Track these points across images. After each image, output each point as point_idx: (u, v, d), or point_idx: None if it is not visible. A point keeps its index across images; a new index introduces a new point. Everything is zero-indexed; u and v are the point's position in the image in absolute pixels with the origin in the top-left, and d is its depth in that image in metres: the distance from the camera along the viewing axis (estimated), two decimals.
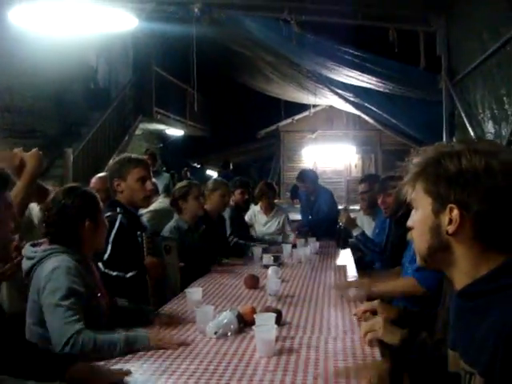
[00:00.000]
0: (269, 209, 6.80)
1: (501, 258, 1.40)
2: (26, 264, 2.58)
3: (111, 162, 3.76)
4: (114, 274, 3.13)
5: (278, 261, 4.81)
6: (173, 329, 2.74)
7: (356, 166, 18.95)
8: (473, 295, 1.44)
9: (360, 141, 18.48)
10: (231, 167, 15.63)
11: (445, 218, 1.43)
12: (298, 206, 8.57)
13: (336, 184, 17.47)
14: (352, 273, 4.48)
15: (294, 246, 5.68)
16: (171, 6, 6.72)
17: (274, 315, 2.52)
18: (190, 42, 9.90)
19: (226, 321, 2.57)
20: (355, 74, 8.02)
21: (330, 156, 18.65)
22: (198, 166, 20.12)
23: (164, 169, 12.57)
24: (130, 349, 2.40)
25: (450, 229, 1.42)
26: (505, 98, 4.69)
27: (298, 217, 8.30)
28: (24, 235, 3.02)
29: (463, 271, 1.46)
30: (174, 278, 3.77)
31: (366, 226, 6.25)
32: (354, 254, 5.59)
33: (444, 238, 1.45)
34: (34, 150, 3.12)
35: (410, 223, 1.59)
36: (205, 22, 7.28)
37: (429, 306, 2.81)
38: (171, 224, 4.66)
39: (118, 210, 3.44)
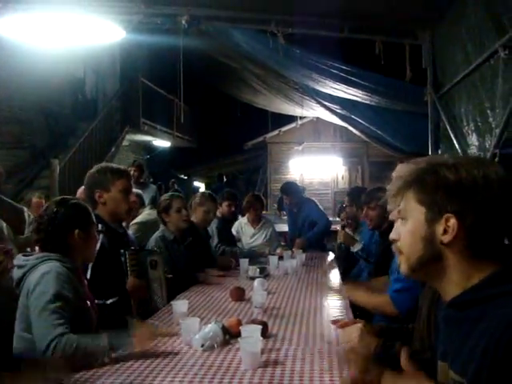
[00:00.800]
0: (256, 221, 6.78)
1: (491, 266, 1.41)
2: (17, 273, 2.59)
3: (90, 171, 3.62)
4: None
5: (264, 272, 4.81)
6: (158, 341, 2.73)
7: (343, 178, 18.98)
8: (464, 305, 1.44)
9: (347, 152, 18.53)
10: (224, 180, 15.68)
11: (439, 228, 1.43)
12: (285, 217, 8.59)
13: (323, 196, 17.50)
14: (336, 282, 4.53)
15: (281, 257, 5.69)
16: (159, 17, 6.71)
17: (259, 327, 2.52)
18: (178, 53, 9.91)
19: (212, 333, 2.56)
20: (342, 87, 8.07)
21: (317, 168, 18.67)
22: (185, 178, 20.12)
23: (151, 180, 12.55)
24: (112, 353, 2.41)
25: (446, 238, 1.42)
26: (489, 111, 4.73)
27: (285, 228, 8.31)
28: None
29: (453, 281, 1.46)
30: (161, 292, 3.73)
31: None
32: (339, 264, 5.65)
33: (437, 248, 1.45)
34: None
35: (394, 236, 1.58)
36: (192, 34, 7.30)
37: (406, 322, 2.82)
38: (157, 234, 4.65)
39: (100, 227, 3.31)
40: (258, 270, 4.79)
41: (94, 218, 2.83)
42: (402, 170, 1.56)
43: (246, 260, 5.17)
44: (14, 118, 11.06)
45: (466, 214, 1.40)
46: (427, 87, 6.49)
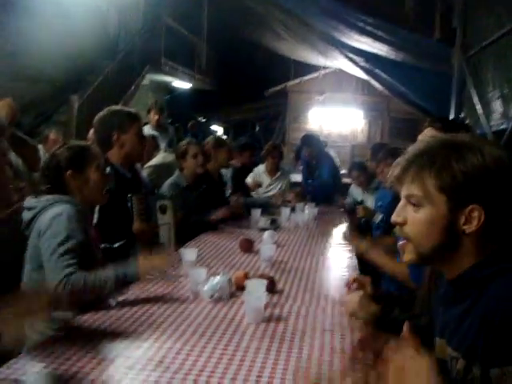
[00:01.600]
0: (274, 170, 6.79)
1: (493, 246, 1.40)
2: (27, 215, 2.60)
3: (103, 114, 3.57)
4: (102, 246, 3.05)
5: (274, 224, 4.82)
6: (166, 287, 2.77)
7: (362, 132, 18.81)
8: (462, 284, 1.44)
9: (368, 106, 18.31)
10: (257, 128, 15.61)
11: (461, 218, 1.37)
12: (301, 167, 8.56)
13: (341, 148, 17.35)
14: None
15: (293, 209, 5.70)
16: None
17: (264, 282, 2.53)
18: None
19: (220, 285, 2.59)
20: (368, 40, 7.93)
21: (337, 119, 18.50)
22: (204, 120, 20.03)
23: (169, 121, 12.47)
24: (122, 283, 2.52)
25: (469, 229, 1.37)
26: None
27: (300, 179, 8.29)
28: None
29: (461, 264, 1.43)
30: (168, 238, 3.76)
31: (355, 195, 6.38)
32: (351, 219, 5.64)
33: (456, 237, 1.40)
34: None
35: (399, 219, 1.49)
36: None
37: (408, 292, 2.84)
38: (170, 180, 4.67)
39: (108, 170, 3.30)
40: (269, 221, 4.81)
41: (98, 159, 2.81)
42: (418, 149, 1.46)
43: (258, 210, 5.17)
44: (35, 52, 10.98)
45: (491, 203, 1.35)
46: (455, 48, 6.35)
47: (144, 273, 2.59)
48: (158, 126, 7.79)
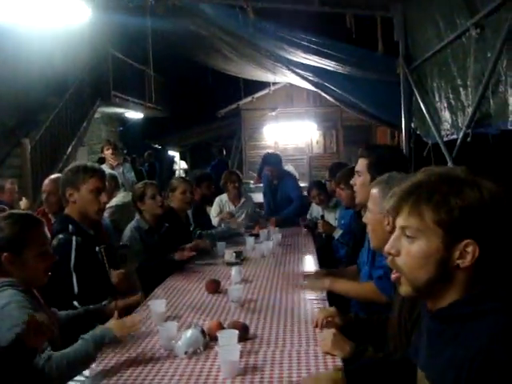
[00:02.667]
0: (236, 198, 6.80)
1: (481, 283, 1.41)
2: None
3: (65, 169, 3.59)
4: (92, 307, 3.00)
5: (240, 257, 4.81)
6: (138, 346, 2.73)
7: (318, 143, 18.95)
8: (444, 319, 1.45)
9: (321, 117, 18.48)
10: (224, 153, 15.60)
11: (456, 252, 1.38)
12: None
13: (298, 161, 17.52)
14: (314, 266, 4.55)
15: (257, 235, 5.71)
16: None
17: (236, 333, 2.52)
18: (147, 25, 9.74)
19: (193, 338, 2.56)
20: (314, 57, 7.99)
21: (292, 133, 18.62)
22: (159, 147, 19.95)
23: (127, 157, 12.37)
24: (101, 347, 2.46)
25: (463, 263, 1.38)
26: (461, 89, 4.72)
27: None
28: None
29: (450, 298, 1.44)
30: (135, 285, 3.73)
31: (315, 213, 6.44)
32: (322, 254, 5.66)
33: (450, 271, 1.40)
34: None
35: (392, 250, 1.50)
36: (160, 10, 7.16)
37: (377, 313, 2.86)
38: (132, 224, 4.62)
39: (70, 228, 3.28)
40: (235, 254, 4.79)
41: (41, 238, 2.61)
42: (417, 181, 1.47)
43: (223, 244, 5.17)
44: None
45: (486, 239, 1.36)
46: (399, 60, 6.45)
47: (121, 335, 2.55)
48: (116, 162, 7.77)
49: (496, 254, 1.39)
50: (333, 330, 2.57)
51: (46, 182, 4.70)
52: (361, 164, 3.35)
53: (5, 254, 2.47)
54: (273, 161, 7.42)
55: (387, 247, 1.52)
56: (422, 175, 1.48)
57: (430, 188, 1.42)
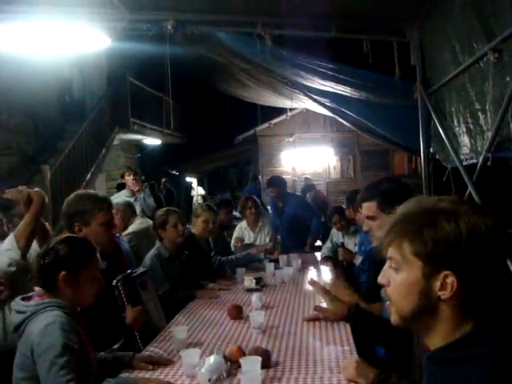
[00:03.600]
0: (255, 223, 6.80)
1: (470, 323, 1.39)
2: (16, 318, 2.50)
3: (69, 198, 3.45)
4: (120, 354, 2.93)
5: (260, 283, 4.80)
6: (160, 373, 2.72)
7: (335, 168, 18.99)
8: (438, 361, 1.43)
9: (338, 142, 18.52)
10: (259, 181, 15.65)
11: (436, 283, 1.38)
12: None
13: (316, 187, 17.51)
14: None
15: (277, 261, 5.70)
16: (143, 23, 6.66)
17: (259, 360, 2.50)
18: (165, 52, 9.84)
19: (216, 365, 2.55)
20: (330, 83, 8.03)
21: (309, 159, 18.67)
22: (177, 174, 20.06)
23: (146, 184, 12.46)
24: None
25: (444, 295, 1.37)
26: (479, 113, 4.71)
27: None
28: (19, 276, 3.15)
29: (441, 333, 1.43)
30: (157, 311, 3.72)
31: (335, 238, 6.42)
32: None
33: (432, 302, 1.40)
34: (37, 189, 3.49)
35: (383, 280, 1.51)
36: (178, 38, 7.24)
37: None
38: (152, 253, 4.61)
39: None
40: (255, 280, 4.78)
41: (98, 260, 2.68)
42: (400, 213, 1.48)
43: (243, 269, 5.18)
44: (1, 124, 11.00)
45: (465, 270, 1.35)
46: (416, 84, 6.46)
47: None
48: (137, 188, 7.85)
49: (483, 288, 1.38)
50: (355, 358, 2.56)
51: None
52: (369, 208, 3.14)
53: (62, 272, 2.52)
54: (276, 182, 7.44)
55: (379, 278, 1.53)
56: (406, 207, 1.48)
57: (409, 220, 1.43)
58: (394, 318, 1.51)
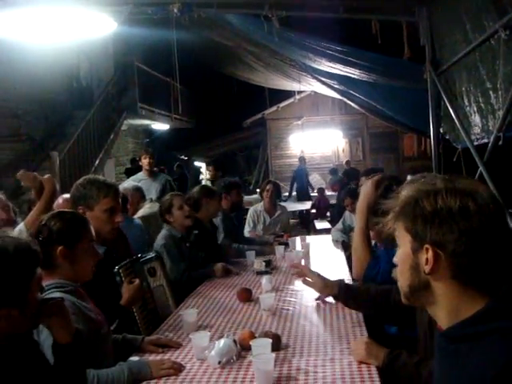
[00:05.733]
0: (272, 209, 6.76)
1: (483, 299, 1.39)
2: None
3: (77, 182, 3.38)
4: (130, 337, 2.91)
5: (269, 266, 4.79)
6: (170, 355, 2.72)
7: (344, 151, 18.93)
8: (453, 339, 1.43)
9: (346, 125, 18.46)
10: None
11: (422, 258, 1.42)
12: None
13: (325, 169, 17.47)
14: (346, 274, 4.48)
15: (287, 244, 5.69)
16: (149, 7, 6.62)
17: (269, 342, 2.49)
18: (172, 37, 9.78)
19: (226, 348, 2.54)
20: (338, 65, 7.98)
21: (318, 142, 18.62)
22: (186, 158, 20.05)
23: (161, 168, 12.42)
24: (134, 380, 2.40)
25: (427, 268, 1.41)
26: (491, 92, 4.67)
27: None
28: None
29: (445, 310, 1.45)
30: (165, 298, 3.70)
31: (348, 221, 6.34)
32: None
33: (423, 277, 1.44)
34: (48, 175, 3.47)
35: (395, 259, 1.58)
36: (185, 22, 7.19)
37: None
38: (164, 232, 4.61)
39: None
40: (264, 263, 4.77)
41: (91, 232, 2.67)
42: (400, 195, 1.53)
43: (253, 252, 5.15)
44: (10, 111, 11.00)
45: (445, 244, 1.39)
46: (426, 65, 6.40)
47: (156, 372, 2.47)
48: (151, 172, 7.86)
49: (479, 264, 1.39)
50: (365, 339, 2.55)
51: (60, 200, 4.21)
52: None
53: (59, 247, 2.50)
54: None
55: (394, 259, 1.60)
56: (405, 189, 1.52)
57: (403, 199, 1.49)
58: (402, 297, 1.56)
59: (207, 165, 21.63)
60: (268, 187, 6.71)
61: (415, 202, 1.44)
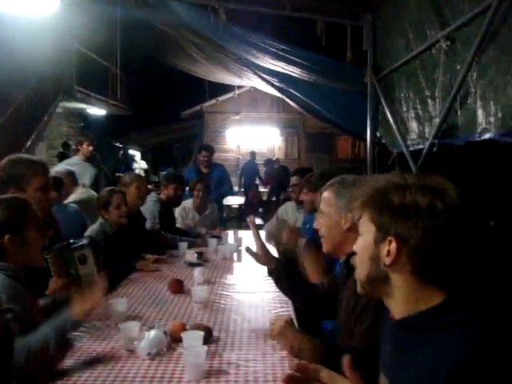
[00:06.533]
0: (202, 207, 6.65)
1: (442, 294, 1.42)
2: None
3: (2, 163, 3.19)
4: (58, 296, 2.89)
5: (201, 258, 4.76)
6: (98, 345, 2.65)
7: (279, 149, 19.05)
8: (410, 328, 1.45)
9: (284, 123, 18.58)
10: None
11: (384, 249, 1.45)
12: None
13: (260, 166, 17.52)
14: None
15: (219, 237, 5.67)
16: None
17: (201, 334, 2.46)
18: (114, 20, 9.59)
19: (157, 340, 2.49)
20: (280, 63, 8.01)
21: (254, 138, 18.65)
22: (120, 146, 19.72)
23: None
24: (64, 332, 2.37)
25: (387, 260, 1.44)
26: (429, 100, 4.78)
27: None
28: None
29: (400, 302, 1.48)
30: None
31: (291, 214, 6.32)
32: None
33: (382, 269, 1.47)
34: None
35: (354, 248, 1.60)
36: (130, 4, 7.08)
37: None
38: (95, 227, 4.45)
39: None
40: (196, 255, 4.73)
41: (37, 215, 2.61)
42: (369, 188, 1.56)
43: (185, 244, 5.11)
44: None
45: (408, 238, 1.41)
46: (367, 69, 6.50)
47: (80, 313, 2.44)
48: (88, 158, 7.74)
49: (439, 259, 1.42)
50: (285, 318, 2.53)
51: None
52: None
53: (7, 236, 2.44)
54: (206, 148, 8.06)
55: (354, 247, 1.61)
56: (374, 182, 1.55)
57: (372, 193, 1.52)
58: (358, 286, 1.59)
59: (142, 154, 21.37)
60: (198, 186, 6.58)
61: (383, 194, 1.47)
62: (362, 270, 1.54)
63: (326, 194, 2.67)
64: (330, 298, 2.74)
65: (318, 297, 2.89)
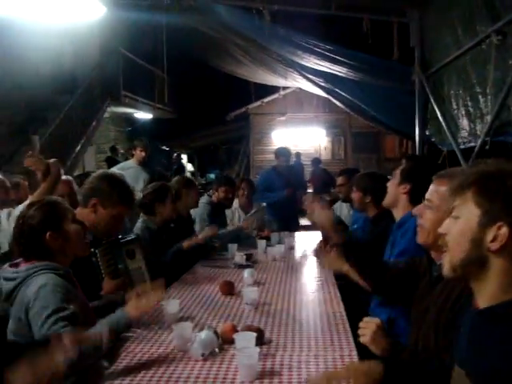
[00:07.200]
0: (247, 206, 6.68)
1: None
2: (6, 286, 2.48)
3: (98, 175, 3.50)
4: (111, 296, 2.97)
5: (250, 259, 4.77)
6: (151, 346, 2.68)
7: (326, 149, 18.95)
8: (495, 317, 1.44)
9: (330, 123, 18.48)
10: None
11: (489, 234, 1.44)
12: None
13: (306, 167, 17.45)
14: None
15: (268, 238, 5.66)
16: None
17: (254, 336, 2.46)
18: (159, 25, 9.70)
19: (209, 340, 2.50)
20: (326, 63, 7.97)
21: (300, 139, 18.60)
22: (167, 149, 19.93)
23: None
24: (116, 332, 2.43)
25: (494, 246, 1.43)
26: (480, 97, 4.68)
27: None
28: None
29: (492, 289, 1.47)
30: (144, 281, 3.65)
31: (345, 212, 6.28)
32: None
33: (483, 253, 1.46)
34: (54, 159, 3.39)
35: (442, 230, 1.60)
36: (175, 10, 7.14)
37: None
38: (140, 225, 4.53)
39: None
40: (245, 256, 4.74)
41: (70, 210, 2.72)
42: (468, 169, 1.62)
43: (235, 245, 5.12)
44: None
45: None
46: (415, 66, 6.41)
47: (135, 315, 2.52)
48: (141, 162, 7.86)
49: None
50: (377, 322, 2.29)
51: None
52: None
53: (48, 233, 2.54)
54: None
55: (440, 229, 1.62)
56: (479, 167, 1.56)
57: (478, 173, 1.52)
58: (446, 268, 1.58)
59: (189, 157, 21.56)
60: (243, 185, 6.61)
61: (500, 180, 1.46)
62: (457, 254, 1.53)
63: (442, 188, 2.40)
64: (403, 281, 2.70)
65: (389, 275, 2.84)
